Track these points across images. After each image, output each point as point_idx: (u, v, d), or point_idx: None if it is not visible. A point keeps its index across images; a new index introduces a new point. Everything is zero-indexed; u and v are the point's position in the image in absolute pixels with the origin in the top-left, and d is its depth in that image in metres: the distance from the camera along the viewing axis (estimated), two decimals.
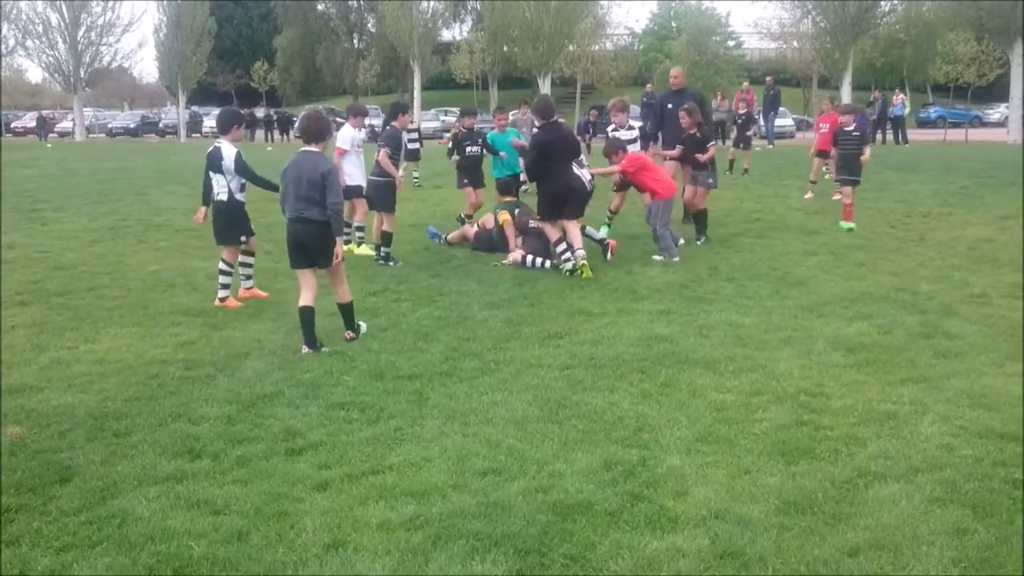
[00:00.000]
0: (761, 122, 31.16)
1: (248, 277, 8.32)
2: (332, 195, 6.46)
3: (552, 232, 9.27)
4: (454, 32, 63.38)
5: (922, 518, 3.83)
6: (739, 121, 20.62)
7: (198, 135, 52.18)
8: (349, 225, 10.36)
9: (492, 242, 10.57)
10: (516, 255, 9.81)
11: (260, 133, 45.10)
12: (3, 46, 48.12)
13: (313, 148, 6.65)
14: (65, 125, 54.19)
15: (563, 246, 9.15)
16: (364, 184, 10.23)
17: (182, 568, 3.51)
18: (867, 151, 12.44)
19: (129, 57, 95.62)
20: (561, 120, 10.20)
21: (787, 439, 4.72)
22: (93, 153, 33.12)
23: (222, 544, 3.67)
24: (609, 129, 11.33)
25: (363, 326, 7.00)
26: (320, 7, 67.37)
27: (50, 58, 48.94)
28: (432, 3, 52.39)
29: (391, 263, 9.79)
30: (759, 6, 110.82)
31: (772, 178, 18.92)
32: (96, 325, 7.27)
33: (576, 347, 6.53)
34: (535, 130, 9.89)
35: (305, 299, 6.60)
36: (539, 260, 9.64)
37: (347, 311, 6.82)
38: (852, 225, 11.74)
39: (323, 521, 3.86)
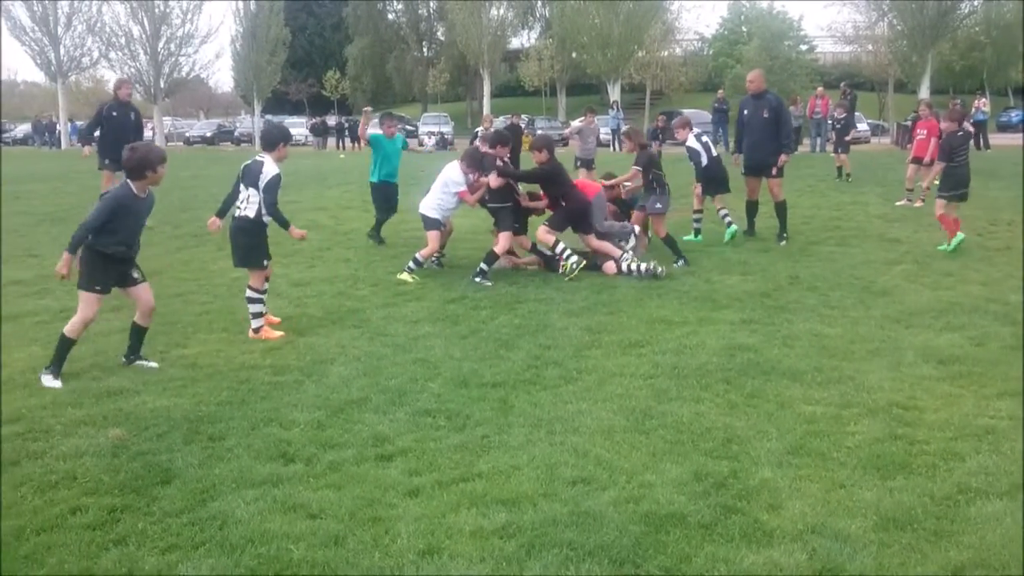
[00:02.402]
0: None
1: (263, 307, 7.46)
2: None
3: (551, 239, 9.50)
4: (523, 39, 63.78)
5: None
6: (838, 126, 20.03)
7: None
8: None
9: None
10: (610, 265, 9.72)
11: (332, 141, 45.91)
12: (87, 58, 49.68)
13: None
14: (146, 134, 55.63)
15: (562, 246, 9.45)
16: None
17: (283, 570, 3.59)
18: (937, 166, 10.83)
19: (206, 67, 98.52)
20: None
21: (882, 453, 4.63)
22: (172, 161, 33.67)
23: (320, 548, 3.74)
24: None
25: (151, 364, 6.55)
26: (391, 16, 68.36)
27: (132, 69, 50.34)
28: (501, 11, 52.65)
29: (479, 279, 9.30)
30: (833, 9, 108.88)
31: (849, 184, 18.54)
32: (186, 330, 7.47)
33: (658, 356, 6.49)
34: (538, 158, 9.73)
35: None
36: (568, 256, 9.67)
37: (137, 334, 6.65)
38: (945, 246, 10.59)
39: (416, 527, 3.91)
